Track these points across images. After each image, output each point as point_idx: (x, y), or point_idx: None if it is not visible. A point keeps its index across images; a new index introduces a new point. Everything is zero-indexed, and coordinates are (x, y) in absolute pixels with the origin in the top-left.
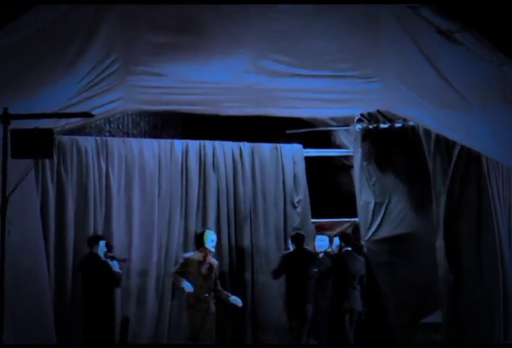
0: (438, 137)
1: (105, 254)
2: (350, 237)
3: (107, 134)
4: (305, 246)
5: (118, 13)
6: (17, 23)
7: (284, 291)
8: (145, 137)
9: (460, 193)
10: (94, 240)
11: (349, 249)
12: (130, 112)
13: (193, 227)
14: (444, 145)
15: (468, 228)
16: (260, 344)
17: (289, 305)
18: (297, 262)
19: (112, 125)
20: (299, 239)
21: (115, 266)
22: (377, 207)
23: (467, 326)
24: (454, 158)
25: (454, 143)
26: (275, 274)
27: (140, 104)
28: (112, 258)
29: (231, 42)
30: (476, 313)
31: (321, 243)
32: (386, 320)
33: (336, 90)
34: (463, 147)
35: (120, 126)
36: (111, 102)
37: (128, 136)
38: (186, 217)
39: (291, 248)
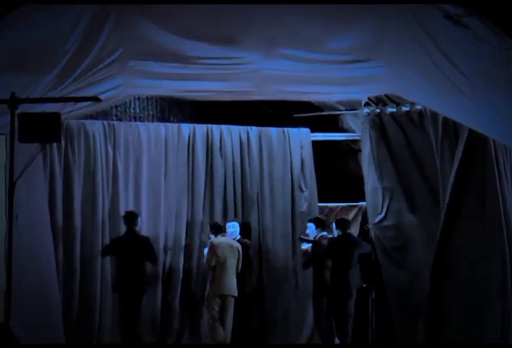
0: (445, 120)
1: None
2: (324, 222)
3: (114, 118)
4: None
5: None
6: (20, 11)
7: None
8: (152, 121)
9: (467, 177)
10: (132, 216)
11: (325, 233)
12: (137, 97)
13: (200, 211)
14: (451, 128)
15: (474, 212)
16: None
17: (333, 294)
18: (343, 247)
19: (118, 109)
20: (344, 224)
21: None
22: (385, 192)
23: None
24: (461, 141)
25: (461, 126)
26: (323, 259)
27: (144, 89)
28: None
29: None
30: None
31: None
32: (388, 306)
33: (342, 75)
34: (470, 130)
35: (127, 110)
36: (114, 88)
37: (134, 120)
38: (192, 202)
39: (336, 233)
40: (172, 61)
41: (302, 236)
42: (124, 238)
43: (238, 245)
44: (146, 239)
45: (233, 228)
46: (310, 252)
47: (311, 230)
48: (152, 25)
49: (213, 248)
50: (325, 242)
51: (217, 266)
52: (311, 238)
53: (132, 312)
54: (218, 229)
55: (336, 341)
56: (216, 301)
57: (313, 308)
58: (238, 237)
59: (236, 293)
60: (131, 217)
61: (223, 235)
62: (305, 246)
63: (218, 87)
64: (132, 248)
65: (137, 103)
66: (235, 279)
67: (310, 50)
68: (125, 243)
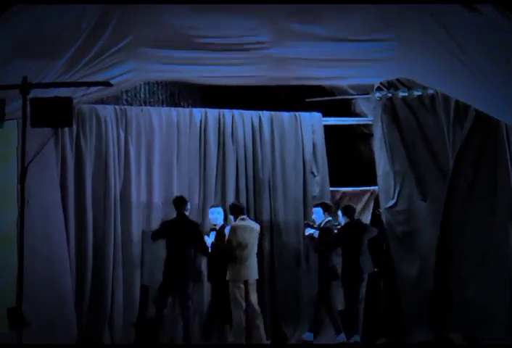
0: (457, 104)
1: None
2: (330, 207)
3: (124, 103)
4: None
5: None
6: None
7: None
8: (162, 106)
9: (479, 161)
10: (182, 201)
11: (330, 218)
12: (146, 81)
13: (212, 195)
14: (463, 112)
15: (484, 196)
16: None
17: (345, 281)
18: (353, 235)
19: (128, 94)
20: (351, 211)
21: None
22: (397, 177)
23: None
24: (471, 124)
25: (472, 110)
26: (331, 248)
27: (155, 74)
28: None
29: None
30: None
31: (315, 216)
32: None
33: (354, 59)
34: (481, 114)
35: (137, 95)
36: (125, 73)
37: (144, 105)
38: (204, 186)
39: (343, 221)
40: (184, 46)
41: (308, 221)
42: (174, 222)
43: (258, 227)
44: (196, 225)
45: (218, 213)
46: (317, 237)
47: (318, 215)
48: (163, 9)
49: (234, 231)
50: (331, 227)
51: (238, 249)
52: (318, 223)
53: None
54: (238, 210)
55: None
56: (239, 287)
57: (317, 293)
58: (222, 223)
59: (257, 276)
60: (181, 202)
61: (243, 218)
62: (310, 231)
63: (230, 71)
64: (181, 233)
65: (147, 88)
66: (256, 262)
67: (321, 27)
68: (175, 227)
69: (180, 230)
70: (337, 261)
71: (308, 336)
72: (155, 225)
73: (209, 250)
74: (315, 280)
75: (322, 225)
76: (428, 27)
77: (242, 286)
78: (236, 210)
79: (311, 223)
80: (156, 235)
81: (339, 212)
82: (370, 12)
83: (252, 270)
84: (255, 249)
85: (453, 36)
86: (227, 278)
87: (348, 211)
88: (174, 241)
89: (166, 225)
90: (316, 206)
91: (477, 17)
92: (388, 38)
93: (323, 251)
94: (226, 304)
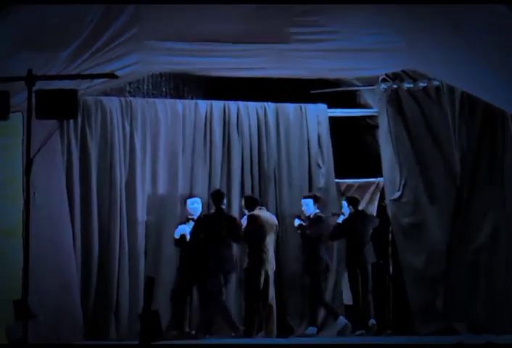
0: (463, 96)
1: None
2: (320, 199)
3: (127, 95)
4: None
5: None
6: None
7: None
8: (166, 97)
9: (485, 152)
10: (220, 195)
11: (318, 211)
12: (150, 73)
13: (217, 187)
14: (468, 104)
15: (492, 188)
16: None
17: (350, 272)
18: (358, 225)
19: (131, 86)
20: (356, 201)
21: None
22: (402, 168)
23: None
24: (478, 116)
25: (478, 102)
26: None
27: (159, 66)
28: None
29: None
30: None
31: (305, 208)
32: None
33: (356, 50)
34: (488, 105)
35: (140, 87)
36: (130, 65)
37: (148, 97)
38: (209, 178)
39: (347, 211)
40: (190, 39)
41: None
42: (212, 216)
43: (275, 219)
44: (234, 219)
45: (197, 204)
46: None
47: (308, 207)
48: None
49: (254, 220)
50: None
51: (255, 240)
52: (308, 214)
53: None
54: (253, 202)
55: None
56: (257, 278)
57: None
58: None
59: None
60: (219, 196)
61: (261, 209)
62: (298, 222)
63: (238, 63)
64: (219, 227)
65: (150, 79)
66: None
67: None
68: (213, 222)
69: (218, 225)
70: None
71: (311, 330)
72: (159, 216)
73: (188, 240)
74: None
75: (311, 217)
76: (436, 18)
77: (261, 276)
78: (251, 203)
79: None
80: (196, 230)
81: (344, 203)
82: (376, 8)
83: (271, 260)
84: (273, 241)
85: (461, 27)
86: (244, 266)
87: (352, 201)
88: (213, 235)
89: (204, 219)
90: (306, 197)
91: (485, 9)
92: (394, 33)
93: (312, 242)
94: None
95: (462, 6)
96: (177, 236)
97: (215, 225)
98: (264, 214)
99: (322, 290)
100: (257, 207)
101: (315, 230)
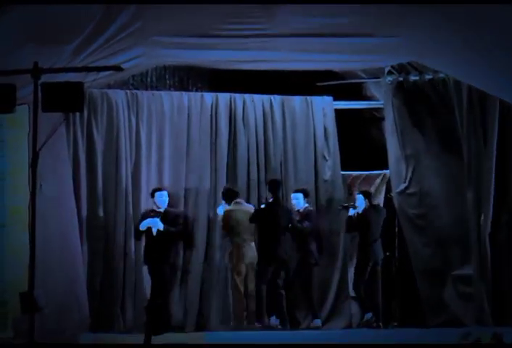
0: (469, 88)
1: (151, 212)
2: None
3: (131, 87)
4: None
5: None
6: None
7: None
8: (169, 90)
9: (492, 144)
10: (278, 184)
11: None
12: (155, 66)
13: (223, 180)
14: (475, 96)
15: (501, 179)
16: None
17: (362, 266)
18: (372, 218)
19: (135, 79)
20: (370, 195)
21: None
22: (408, 160)
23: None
24: (485, 107)
25: (485, 94)
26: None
27: (164, 59)
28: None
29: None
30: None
31: (296, 202)
32: (412, 273)
33: (361, 43)
34: (495, 97)
35: (143, 79)
36: (135, 58)
37: (151, 90)
38: (215, 171)
39: (363, 205)
40: (196, 32)
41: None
42: (272, 205)
43: (248, 207)
44: (289, 210)
45: (166, 197)
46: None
47: (299, 201)
48: None
49: (227, 216)
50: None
51: (234, 234)
52: (298, 208)
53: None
54: (231, 195)
55: None
56: (240, 271)
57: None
58: (165, 207)
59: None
60: (277, 185)
61: (237, 203)
62: None
63: (245, 56)
64: (279, 216)
65: (154, 72)
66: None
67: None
68: (270, 211)
69: (278, 214)
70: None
71: (316, 322)
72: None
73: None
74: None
75: (301, 211)
76: (440, 12)
77: (244, 270)
78: (229, 195)
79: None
80: (252, 219)
81: (359, 196)
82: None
83: (251, 254)
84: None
85: (465, 21)
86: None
87: (368, 195)
88: (272, 224)
89: (262, 209)
90: (296, 192)
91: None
92: (395, 25)
93: (303, 236)
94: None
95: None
96: (142, 228)
97: (275, 214)
98: (238, 208)
99: (312, 285)
100: (235, 200)
101: (305, 224)
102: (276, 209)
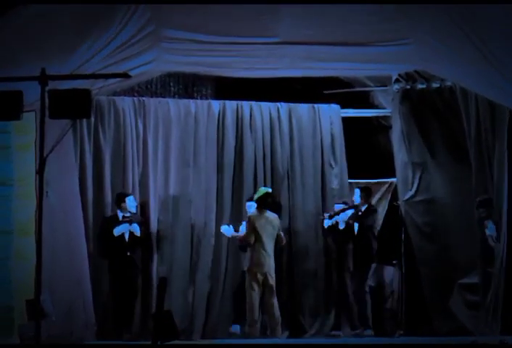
0: (476, 96)
1: (123, 217)
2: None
3: (136, 95)
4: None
5: None
6: None
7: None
8: (174, 97)
9: (500, 152)
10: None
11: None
12: (164, 72)
13: (229, 188)
14: (483, 104)
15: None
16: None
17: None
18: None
19: (140, 86)
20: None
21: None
22: (415, 168)
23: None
24: (493, 116)
25: (493, 102)
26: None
27: (173, 66)
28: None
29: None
30: None
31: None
32: (419, 281)
33: (369, 51)
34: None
35: (148, 86)
36: (144, 64)
37: (156, 96)
38: (222, 178)
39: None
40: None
41: None
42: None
43: (276, 219)
44: None
45: (135, 202)
46: None
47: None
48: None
49: (252, 221)
50: None
51: (256, 241)
52: None
53: None
54: (270, 205)
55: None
56: (257, 280)
57: None
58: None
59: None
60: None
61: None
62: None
63: (252, 63)
64: None
65: (158, 79)
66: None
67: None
68: None
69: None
70: None
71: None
72: (172, 216)
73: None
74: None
75: None
76: (448, 18)
77: (260, 278)
78: (269, 203)
79: None
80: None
81: (356, 190)
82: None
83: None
84: (272, 242)
85: (474, 27)
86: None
87: (368, 191)
88: None
89: None
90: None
91: (499, 9)
92: (404, 34)
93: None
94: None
95: (473, 6)
96: (117, 234)
97: None
98: (264, 215)
99: None
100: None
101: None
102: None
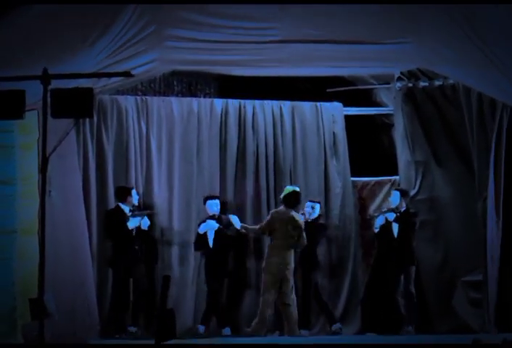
0: (479, 94)
1: (133, 210)
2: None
3: (139, 93)
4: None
5: None
6: None
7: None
8: (177, 96)
9: (502, 151)
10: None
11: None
12: (167, 71)
13: (232, 186)
14: (486, 102)
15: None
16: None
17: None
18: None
19: (144, 85)
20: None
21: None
22: (418, 166)
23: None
24: (496, 114)
25: (496, 100)
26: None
27: (176, 64)
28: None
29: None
30: None
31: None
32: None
33: (372, 49)
34: (505, 104)
35: (151, 85)
36: (147, 63)
37: (159, 95)
38: (225, 177)
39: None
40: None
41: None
42: None
43: (299, 220)
44: None
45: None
46: None
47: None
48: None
49: (271, 217)
50: None
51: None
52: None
53: None
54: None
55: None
56: (275, 278)
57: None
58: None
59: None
60: None
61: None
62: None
63: (255, 62)
64: None
65: (162, 78)
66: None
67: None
68: None
69: None
70: None
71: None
72: (174, 216)
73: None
74: (337, 270)
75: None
76: (449, 16)
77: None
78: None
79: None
80: None
81: (395, 192)
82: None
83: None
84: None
85: (474, 26)
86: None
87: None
88: None
89: None
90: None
91: (499, 8)
92: (405, 33)
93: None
94: None
95: (475, 6)
96: (132, 227)
97: None
98: (283, 211)
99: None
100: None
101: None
102: None
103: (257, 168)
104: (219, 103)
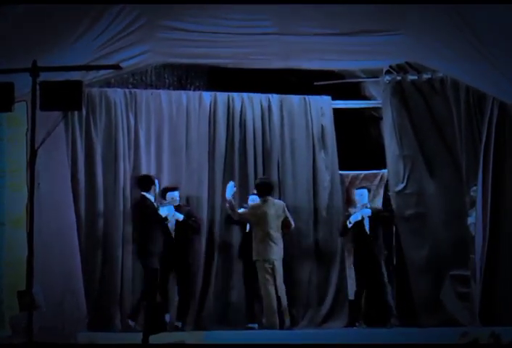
0: (467, 88)
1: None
2: None
3: (130, 86)
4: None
5: None
6: None
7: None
8: (168, 89)
9: (490, 144)
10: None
11: None
12: (157, 64)
13: (220, 179)
14: (473, 96)
15: (497, 180)
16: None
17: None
18: None
19: (135, 77)
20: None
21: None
22: (406, 160)
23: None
24: (484, 107)
25: (484, 94)
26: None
27: (167, 57)
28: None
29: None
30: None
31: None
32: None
33: (361, 43)
34: (493, 97)
35: (143, 78)
36: (139, 55)
37: (151, 88)
38: (213, 170)
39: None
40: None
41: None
42: None
43: (281, 205)
44: None
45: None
46: None
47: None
48: None
49: (249, 211)
50: None
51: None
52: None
53: None
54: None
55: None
56: (265, 267)
57: None
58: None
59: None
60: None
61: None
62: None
63: (245, 54)
64: None
65: (153, 71)
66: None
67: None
68: None
69: None
70: None
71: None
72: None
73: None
74: (325, 264)
75: None
76: (441, 11)
77: (268, 265)
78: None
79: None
80: None
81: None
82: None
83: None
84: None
85: (464, 19)
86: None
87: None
88: None
89: None
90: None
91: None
92: (394, 26)
93: None
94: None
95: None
96: (165, 214)
97: None
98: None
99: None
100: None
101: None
102: None
103: (246, 161)
104: (207, 96)
